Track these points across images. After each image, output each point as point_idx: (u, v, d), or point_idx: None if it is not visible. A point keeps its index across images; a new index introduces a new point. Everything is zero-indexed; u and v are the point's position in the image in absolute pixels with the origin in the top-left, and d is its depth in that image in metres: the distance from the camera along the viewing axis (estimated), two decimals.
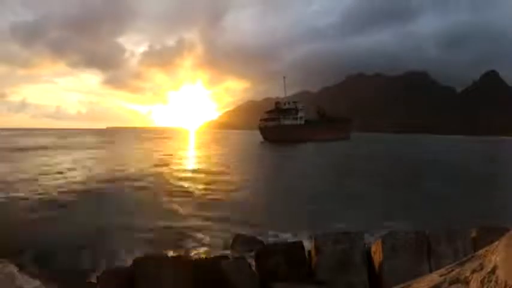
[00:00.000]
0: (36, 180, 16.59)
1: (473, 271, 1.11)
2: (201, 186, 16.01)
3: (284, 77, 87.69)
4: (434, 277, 1.27)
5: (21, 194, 13.07)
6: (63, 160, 26.62)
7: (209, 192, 14.58)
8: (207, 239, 8.12)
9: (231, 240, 7.65)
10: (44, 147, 42.03)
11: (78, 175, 18.73)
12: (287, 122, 73.93)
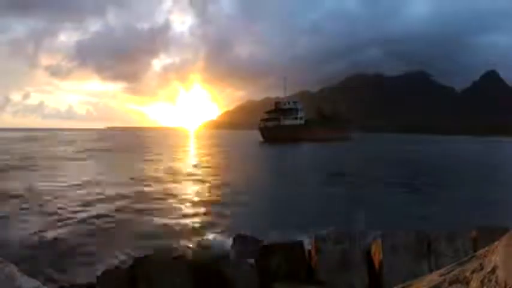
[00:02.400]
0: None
1: (473, 271, 1.11)
2: (200, 187, 16.01)
3: (284, 77, 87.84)
4: (434, 277, 1.26)
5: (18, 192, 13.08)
6: None
7: (209, 192, 14.57)
8: (207, 239, 8.12)
9: (231, 240, 7.65)
10: None
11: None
12: (287, 122, 73.93)
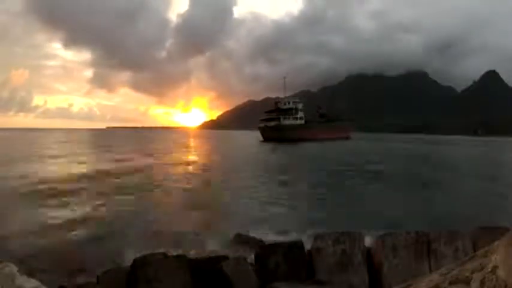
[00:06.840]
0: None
1: (473, 271, 1.11)
2: (200, 187, 16.00)
3: (284, 77, 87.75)
4: (434, 277, 1.27)
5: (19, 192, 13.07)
6: None
7: (209, 192, 14.56)
8: (206, 239, 8.12)
9: (231, 240, 7.65)
10: None
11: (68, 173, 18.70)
12: (287, 122, 73.95)
